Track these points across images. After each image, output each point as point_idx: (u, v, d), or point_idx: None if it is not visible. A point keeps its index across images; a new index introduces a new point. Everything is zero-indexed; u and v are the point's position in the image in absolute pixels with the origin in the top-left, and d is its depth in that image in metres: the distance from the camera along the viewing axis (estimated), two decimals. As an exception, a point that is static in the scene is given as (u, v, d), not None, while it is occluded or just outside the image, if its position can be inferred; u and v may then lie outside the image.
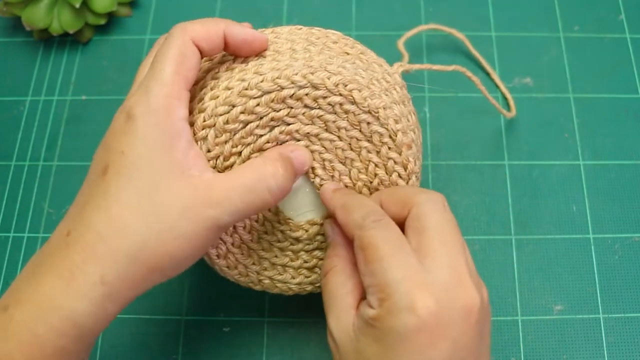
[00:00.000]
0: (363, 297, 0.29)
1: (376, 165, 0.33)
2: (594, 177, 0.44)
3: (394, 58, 0.46)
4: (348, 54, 0.33)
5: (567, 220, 0.43)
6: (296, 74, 0.30)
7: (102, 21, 0.49)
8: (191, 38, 0.29)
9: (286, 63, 0.31)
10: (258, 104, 0.30)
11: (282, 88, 0.30)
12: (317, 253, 0.35)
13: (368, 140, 0.32)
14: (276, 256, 0.35)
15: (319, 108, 0.31)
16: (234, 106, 0.30)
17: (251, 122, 0.31)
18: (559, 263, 0.42)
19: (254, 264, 0.35)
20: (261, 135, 0.31)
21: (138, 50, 0.49)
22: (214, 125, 0.30)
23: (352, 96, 0.31)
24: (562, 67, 0.48)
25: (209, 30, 0.29)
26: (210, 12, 0.50)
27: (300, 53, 0.32)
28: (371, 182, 0.33)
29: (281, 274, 0.35)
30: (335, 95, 0.31)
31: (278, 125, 0.31)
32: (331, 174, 0.33)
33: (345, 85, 0.30)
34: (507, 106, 0.46)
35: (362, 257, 0.28)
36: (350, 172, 0.33)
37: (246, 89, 0.30)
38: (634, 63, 0.48)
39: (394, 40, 0.44)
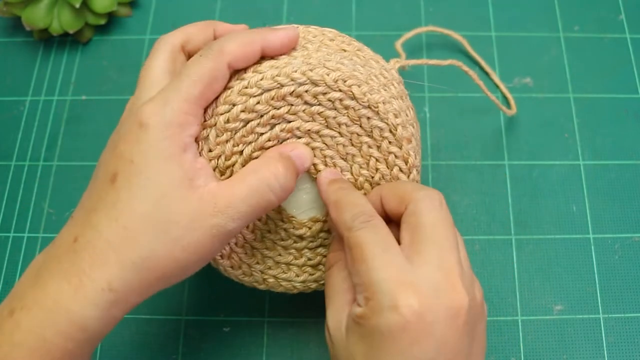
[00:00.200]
0: None
1: (377, 160, 0.33)
2: (594, 177, 0.44)
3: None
4: (345, 50, 0.33)
5: (567, 220, 0.43)
6: (295, 71, 0.30)
7: (102, 21, 0.49)
8: (228, 62, 0.29)
9: (285, 61, 0.31)
10: (258, 102, 0.30)
11: (282, 85, 0.30)
12: (321, 250, 0.35)
13: (368, 136, 0.32)
14: (280, 254, 0.35)
15: (319, 104, 0.31)
16: (234, 105, 0.30)
17: (252, 120, 0.31)
18: (559, 263, 0.42)
19: (257, 263, 0.35)
20: (262, 134, 0.31)
21: (138, 50, 0.49)
22: (215, 125, 0.31)
23: (351, 92, 0.31)
24: (562, 67, 0.48)
25: (246, 52, 0.30)
26: (210, 12, 0.50)
27: (299, 51, 0.32)
28: (373, 177, 0.33)
29: (285, 272, 0.35)
30: (334, 91, 0.31)
31: (279, 123, 0.31)
32: None
33: (345, 81, 0.31)
34: (508, 105, 0.46)
35: (350, 257, 0.28)
36: (351, 167, 0.33)
37: (246, 88, 0.30)
38: (634, 63, 0.48)
39: (393, 41, 0.44)
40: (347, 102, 0.31)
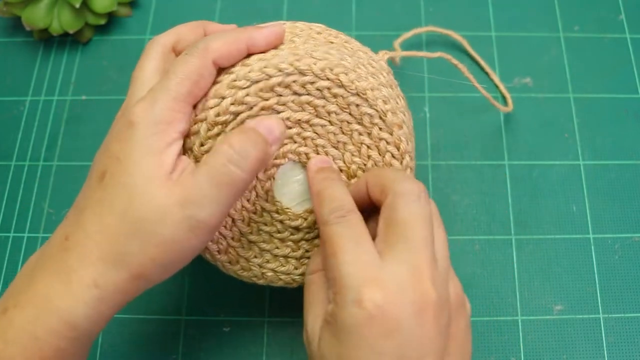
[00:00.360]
0: None
1: (369, 147, 0.33)
2: (594, 177, 0.44)
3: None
4: (332, 42, 0.33)
5: (567, 220, 0.43)
6: (283, 62, 0.30)
7: (102, 21, 0.49)
8: (213, 60, 0.30)
9: (272, 53, 0.31)
10: (247, 94, 0.31)
11: (270, 77, 0.30)
12: (318, 241, 0.35)
13: (359, 123, 0.32)
14: (277, 247, 0.35)
15: (307, 94, 0.31)
16: (223, 98, 0.31)
17: (242, 112, 0.31)
18: (559, 263, 0.42)
19: (255, 257, 0.35)
20: None
21: (138, 50, 0.49)
22: (206, 119, 0.31)
23: (339, 79, 0.31)
24: (562, 67, 0.48)
25: (231, 49, 0.30)
26: (210, 12, 0.50)
27: (286, 43, 0.32)
28: (365, 165, 0.33)
29: (284, 265, 0.35)
30: (322, 80, 0.31)
31: (269, 114, 0.32)
32: None
33: (332, 70, 0.31)
34: (506, 104, 0.46)
35: (323, 251, 0.29)
36: (343, 155, 0.33)
37: (234, 81, 0.30)
38: (634, 63, 0.48)
39: (393, 41, 0.44)
40: (336, 90, 0.31)
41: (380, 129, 0.32)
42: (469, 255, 0.42)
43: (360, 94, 0.31)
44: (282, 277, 0.35)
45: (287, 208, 0.34)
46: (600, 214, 0.43)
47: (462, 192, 0.44)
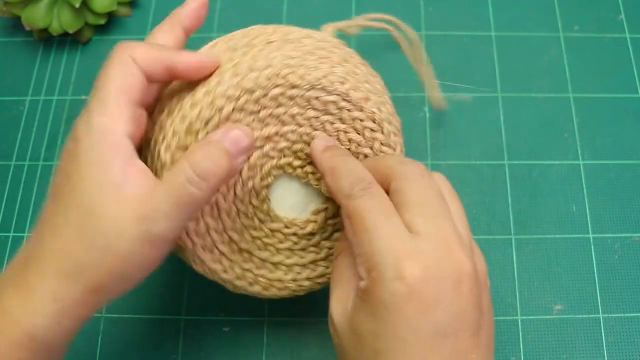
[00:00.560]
0: None
1: (345, 132, 0.32)
2: (594, 177, 0.44)
3: (394, 58, 0.46)
4: (272, 42, 0.32)
5: (567, 220, 0.43)
6: (228, 89, 0.30)
7: (102, 21, 0.49)
8: (130, 56, 0.29)
9: (216, 81, 0.30)
10: (207, 132, 0.30)
11: (222, 109, 0.30)
12: (337, 235, 0.34)
13: (326, 113, 0.32)
14: (302, 257, 0.34)
15: (264, 108, 0.31)
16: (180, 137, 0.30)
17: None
18: (559, 263, 0.42)
19: (285, 274, 0.34)
20: None
21: (138, 50, 0.49)
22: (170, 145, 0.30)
23: (289, 82, 0.30)
24: (562, 67, 0.48)
25: (149, 53, 0.29)
26: (210, 12, 0.50)
27: (226, 64, 0.31)
28: (350, 150, 0.32)
29: (314, 271, 0.34)
30: (273, 89, 0.30)
31: None
32: (308, 161, 0.33)
33: (278, 75, 0.30)
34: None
35: (350, 227, 0.28)
36: None
37: (190, 124, 0.30)
38: (634, 63, 0.48)
39: (393, 41, 0.44)
40: (290, 92, 0.30)
41: (348, 110, 0.32)
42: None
43: (316, 87, 0.31)
44: (319, 280, 0.35)
45: (294, 219, 0.34)
46: (600, 214, 0.43)
47: (462, 192, 0.43)
